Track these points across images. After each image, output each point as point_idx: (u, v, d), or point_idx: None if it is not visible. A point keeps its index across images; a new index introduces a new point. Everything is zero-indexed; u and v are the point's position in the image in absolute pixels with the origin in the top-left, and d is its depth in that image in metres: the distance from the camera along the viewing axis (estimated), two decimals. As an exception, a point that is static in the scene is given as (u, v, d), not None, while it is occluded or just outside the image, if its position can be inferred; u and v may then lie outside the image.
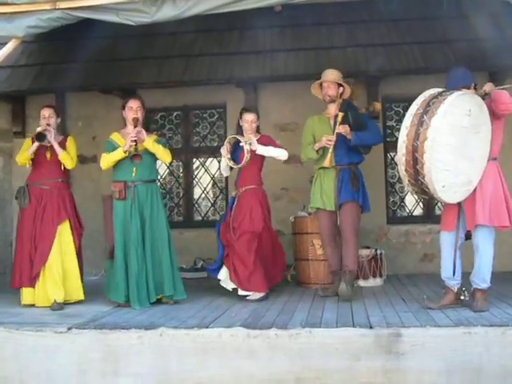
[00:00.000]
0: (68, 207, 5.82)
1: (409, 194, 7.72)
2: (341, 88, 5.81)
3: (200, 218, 8.32)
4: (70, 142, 5.94)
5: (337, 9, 7.80)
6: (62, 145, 5.85)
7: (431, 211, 7.85)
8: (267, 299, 5.66)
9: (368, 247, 6.85)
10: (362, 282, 6.53)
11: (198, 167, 8.36)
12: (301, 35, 7.81)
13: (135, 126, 5.57)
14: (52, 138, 5.71)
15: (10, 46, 5.24)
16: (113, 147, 5.65)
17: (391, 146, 7.79)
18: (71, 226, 5.78)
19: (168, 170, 8.38)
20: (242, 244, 5.70)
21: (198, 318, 4.88)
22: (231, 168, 5.99)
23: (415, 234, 7.76)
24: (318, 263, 6.52)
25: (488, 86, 4.80)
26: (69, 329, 4.58)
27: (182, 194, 8.35)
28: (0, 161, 8.23)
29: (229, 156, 5.84)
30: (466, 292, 4.95)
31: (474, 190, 4.75)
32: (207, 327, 4.50)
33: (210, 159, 8.30)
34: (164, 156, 5.71)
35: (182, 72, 7.59)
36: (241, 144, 5.73)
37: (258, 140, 5.81)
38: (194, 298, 5.81)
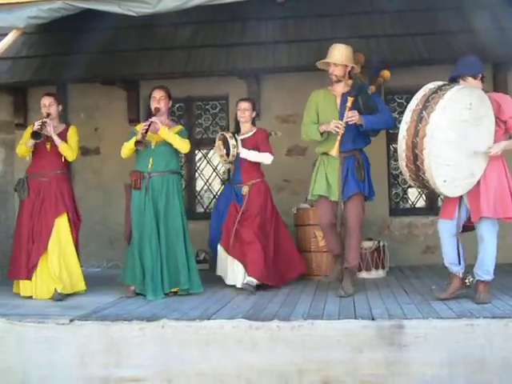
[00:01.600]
0: (66, 200, 5.76)
1: (408, 182, 7.70)
2: (349, 66, 5.46)
3: (202, 209, 8.31)
4: (72, 132, 5.89)
5: (339, 0, 7.76)
6: (64, 135, 5.82)
7: (434, 203, 7.83)
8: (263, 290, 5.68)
9: (371, 239, 6.85)
10: (364, 274, 6.52)
11: (200, 159, 8.35)
12: (303, 26, 7.77)
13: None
14: (51, 131, 5.67)
15: (10, 37, 5.22)
16: (134, 136, 5.68)
17: (394, 137, 7.74)
18: (69, 219, 5.73)
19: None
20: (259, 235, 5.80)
21: (200, 309, 4.88)
22: (235, 163, 6.08)
23: (418, 226, 7.74)
24: (321, 255, 6.52)
25: None
26: (71, 320, 4.59)
27: (184, 186, 8.33)
28: (2, 152, 8.20)
29: (222, 153, 5.92)
30: (470, 276, 4.92)
31: (478, 182, 4.73)
32: (209, 319, 4.50)
33: (213, 151, 8.27)
34: (181, 146, 5.70)
35: (184, 63, 7.56)
36: (230, 149, 5.83)
37: (253, 135, 5.93)
38: (196, 289, 5.83)
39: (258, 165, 6.01)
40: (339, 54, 5.44)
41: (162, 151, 5.65)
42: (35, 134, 5.56)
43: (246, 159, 5.92)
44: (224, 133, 6.00)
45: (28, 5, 5.00)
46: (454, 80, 4.86)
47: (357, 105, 5.33)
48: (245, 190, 5.94)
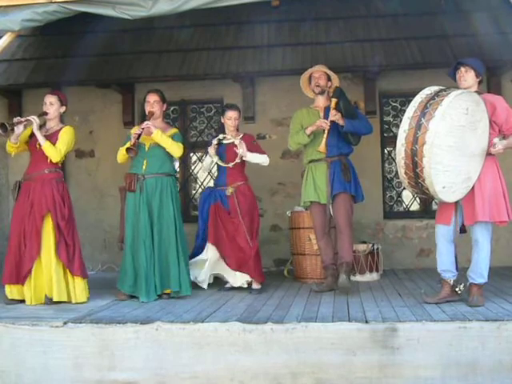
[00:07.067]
0: (49, 199, 5.43)
1: (406, 188, 7.73)
2: (329, 82, 5.88)
3: (197, 212, 8.30)
4: (62, 133, 5.57)
5: (334, 4, 7.79)
6: (57, 135, 5.54)
7: (428, 206, 7.86)
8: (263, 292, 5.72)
9: (365, 242, 6.86)
10: (358, 277, 6.54)
11: (195, 162, 8.36)
12: (298, 30, 7.80)
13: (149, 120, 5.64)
14: (35, 128, 5.40)
15: (5, 40, 5.23)
16: (129, 140, 5.68)
17: (388, 141, 7.81)
18: (53, 219, 5.41)
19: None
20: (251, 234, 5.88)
21: (194, 312, 4.87)
22: (219, 166, 6.09)
23: (412, 229, 7.77)
24: (315, 258, 6.52)
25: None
26: (65, 323, 4.57)
27: (178, 189, 8.32)
28: (-4, 155, 8.20)
29: (216, 155, 5.94)
30: (461, 285, 4.95)
31: (473, 186, 4.74)
32: (203, 322, 4.50)
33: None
34: (173, 150, 5.68)
35: (179, 66, 7.58)
36: (238, 151, 5.82)
37: (240, 139, 5.96)
38: (190, 292, 5.83)
39: (242, 168, 6.02)
40: (321, 66, 5.94)
41: (156, 153, 5.65)
42: (1, 126, 5.27)
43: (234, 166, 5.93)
44: (224, 136, 6.00)
45: (23, 7, 5.00)
46: (459, 64, 4.90)
47: (338, 108, 5.68)
48: (229, 190, 5.90)
